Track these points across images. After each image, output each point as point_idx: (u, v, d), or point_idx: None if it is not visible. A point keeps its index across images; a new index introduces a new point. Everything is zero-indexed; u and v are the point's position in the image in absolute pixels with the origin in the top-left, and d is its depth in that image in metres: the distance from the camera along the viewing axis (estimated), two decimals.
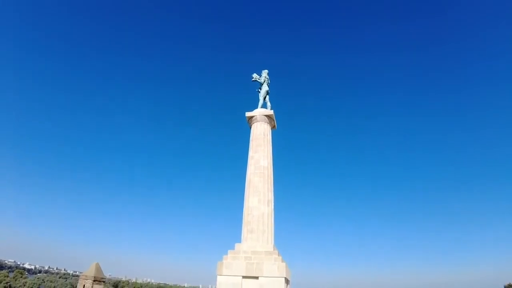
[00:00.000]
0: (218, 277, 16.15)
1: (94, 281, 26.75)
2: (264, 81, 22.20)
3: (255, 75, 22.44)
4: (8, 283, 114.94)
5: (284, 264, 16.00)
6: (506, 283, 53.42)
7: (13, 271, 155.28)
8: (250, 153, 19.75)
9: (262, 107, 21.58)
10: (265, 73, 22.53)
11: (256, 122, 20.63)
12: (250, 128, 21.11)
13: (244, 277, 15.90)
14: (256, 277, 15.74)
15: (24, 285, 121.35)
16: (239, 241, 17.89)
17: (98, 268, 27.79)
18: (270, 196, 18.56)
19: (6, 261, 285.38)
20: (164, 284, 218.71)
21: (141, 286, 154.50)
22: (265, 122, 20.66)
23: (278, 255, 16.66)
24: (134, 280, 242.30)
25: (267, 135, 20.37)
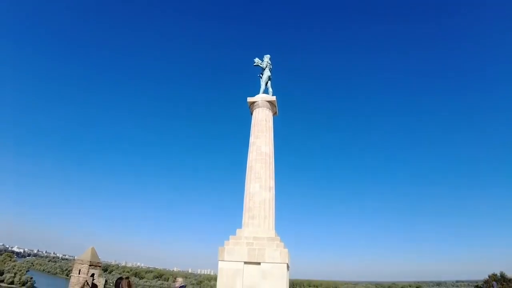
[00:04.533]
0: (220, 262, 16.15)
1: (90, 265, 26.65)
2: (266, 66, 21.85)
3: (257, 60, 22.08)
4: None
5: (286, 250, 16.11)
6: (490, 273, 55.46)
7: (1, 255, 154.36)
8: (251, 139, 19.57)
9: (263, 92, 21.29)
10: (267, 58, 22.16)
11: (257, 107, 20.38)
12: (252, 114, 20.88)
13: (246, 262, 15.96)
14: (258, 263, 15.82)
15: (14, 268, 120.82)
16: (240, 227, 17.89)
17: (94, 253, 27.65)
18: (272, 182, 18.53)
19: None
20: (154, 268, 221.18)
21: (130, 270, 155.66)
22: (266, 108, 20.42)
23: (280, 241, 16.75)
24: (123, 264, 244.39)
25: (269, 121, 20.17)
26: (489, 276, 53.54)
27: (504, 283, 49.34)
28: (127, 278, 9.80)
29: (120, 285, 7.83)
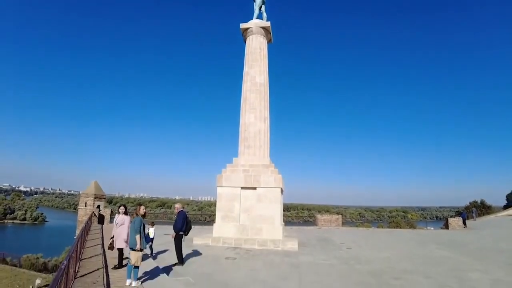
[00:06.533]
0: (218, 188, 17.04)
1: (95, 198, 28.03)
2: None
3: None
4: (7, 205, 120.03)
5: (280, 176, 16.89)
6: (471, 199, 58.83)
7: (9, 194, 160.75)
8: (245, 69, 19.03)
9: (257, 18, 20.03)
10: None
11: (251, 35, 19.38)
12: (245, 42, 19.91)
13: (242, 188, 16.84)
14: (254, 188, 16.70)
15: (24, 206, 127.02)
16: (236, 156, 18.42)
17: (97, 186, 28.86)
18: (266, 113, 18.58)
19: (1, 186, 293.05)
20: (157, 197, 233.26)
21: (134, 201, 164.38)
22: (261, 35, 19.43)
23: (274, 168, 17.48)
24: (127, 195, 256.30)
25: (263, 49, 19.36)
26: (470, 203, 57.32)
27: (483, 209, 53.07)
28: (125, 205, 10.28)
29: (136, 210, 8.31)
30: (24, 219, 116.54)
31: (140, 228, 7.95)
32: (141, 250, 7.91)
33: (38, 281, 26.15)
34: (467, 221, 32.67)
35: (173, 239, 10.81)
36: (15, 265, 34.05)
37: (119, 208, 9.63)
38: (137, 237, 7.81)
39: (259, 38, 19.40)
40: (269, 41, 20.36)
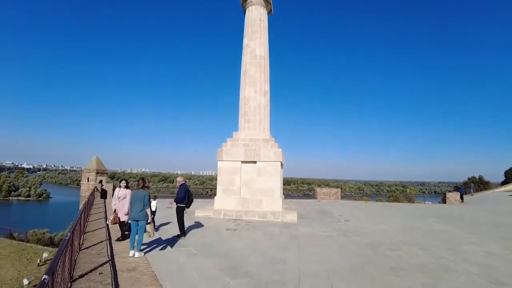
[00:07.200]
0: (219, 162, 17.12)
1: (97, 173, 28.29)
2: None
3: None
4: (11, 183, 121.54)
5: (280, 150, 16.90)
6: (470, 175, 59.18)
7: (13, 172, 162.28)
8: (245, 41, 18.53)
9: None
10: None
11: (251, 5, 18.69)
12: (244, 13, 19.26)
13: (243, 162, 16.91)
14: (254, 162, 16.79)
15: (27, 183, 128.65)
16: (236, 130, 18.36)
17: (99, 161, 29.05)
18: (266, 87, 18.30)
19: (4, 163, 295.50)
20: (158, 172, 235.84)
21: (136, 176, 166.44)
22: (260, 5, 18.74)
23: (274, 142, 17.46)
24: (129, 171, 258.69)
25: (263, 21, 18.76)
26: (468, 179, 57.79)
27: (481, 185, 53.55)
28: (126, 180, 10.29)
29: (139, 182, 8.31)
30: (29, 195, 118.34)
31: (149, 201, 8.20)
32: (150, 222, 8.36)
33: (45, 255, 26.90)
34: (464, 196, 33.10)
35: (175, 211, 10.96)
36: (22, 240, 34.91)
37: (120, 182, 9.70)
38: (148, 210, 8.11)
39: (259, 8, 18.76)
40: (269, 12, 19.71)
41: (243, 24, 19.09)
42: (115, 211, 9.42)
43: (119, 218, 9.36)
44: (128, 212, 8.81)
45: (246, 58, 18.28)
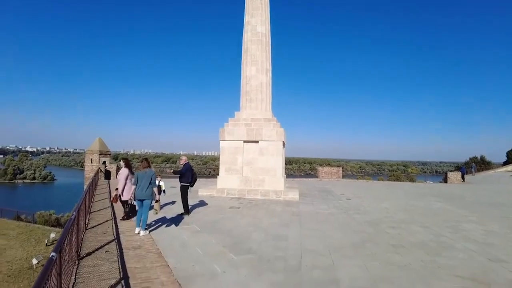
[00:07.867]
0: (221, 142, 17.13)
1: (100, 154, 28.46)
2: None
3: None
4: (16, 166, 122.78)
5: (282, 129, 16.85)
6: (472, 155, 59.02)
7: (17, 155, 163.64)
8: (246, 18, 18.05)
9: None
10: None
11: None
12: None
13: (245, 141, 16.92)
14: (256, 141, 16.79)
15: (32, 166, 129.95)
16: (238, 110, 18.24)
17: (102, 142, 29.16)
18: (268, 64, 18.00)
19: (7, 147, 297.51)
20: (161, 153, 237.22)
21: (139, 157, 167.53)
22: None
23: (277, 122, 17.39)
24: (132, 152, 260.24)
25: None
26: (470, 159, 57.79)
27: (483, 165, 53.58)
28: (126, 159, 10.37)
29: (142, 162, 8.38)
30: (34, 178, 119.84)
31: (155, 181, 8.39)
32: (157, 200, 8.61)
33: (52, 235, 27.51)
34: (466, 176, 33.24)
35: (179, 190, 11.07)
36: (30, 222, 35.60)
37: (120, 162, 9.85)
38: (155, 189, 8.36)
39: None
40: None
41: (244, 0, 18.56)
42: (116, 189, 9.55)
43: (120, 196, 9.50)
44: (123, 191, 9.25)
45: (247, 36, 17.88)
